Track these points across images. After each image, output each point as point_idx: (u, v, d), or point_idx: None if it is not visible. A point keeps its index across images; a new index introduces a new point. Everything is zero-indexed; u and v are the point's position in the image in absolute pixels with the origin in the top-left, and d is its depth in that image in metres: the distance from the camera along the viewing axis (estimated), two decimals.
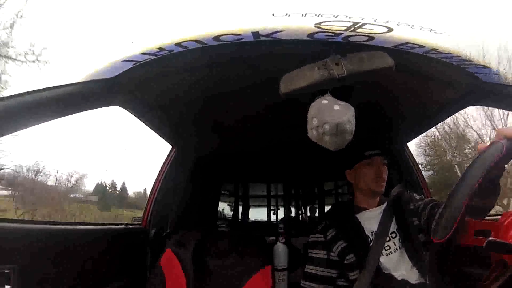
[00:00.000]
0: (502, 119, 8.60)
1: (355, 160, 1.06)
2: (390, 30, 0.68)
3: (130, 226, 1.37)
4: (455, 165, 9.65)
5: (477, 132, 9.49)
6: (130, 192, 15.17)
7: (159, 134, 1.39)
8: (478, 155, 0.51)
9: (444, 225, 0.48)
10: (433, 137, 10.14)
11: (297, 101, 0.80)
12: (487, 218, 0.75)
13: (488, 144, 0.53)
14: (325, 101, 0.76)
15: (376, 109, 1.21)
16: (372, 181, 1.03)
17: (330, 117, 0.74)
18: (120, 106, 1.00)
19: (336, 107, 0.75)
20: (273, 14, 0.62)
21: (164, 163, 1.57)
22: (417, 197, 1.07)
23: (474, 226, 0.50)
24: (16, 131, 0.67)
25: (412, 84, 1.02)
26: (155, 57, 0.79)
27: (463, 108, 1.06)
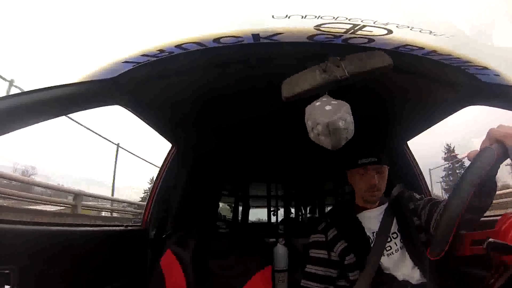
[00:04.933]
0: None
1: (350, 166, 1.06)
2: (389, 32, 0.68)
3: (130, 227, 1.37)
4: None
5: None
6: None
7: (159, 133, 1.39)
8: (469, 164, 0.49)
9: (439, 243, 0.47)
10: None
11: (297, 102, 0.80)
12: (484, 218, 0.75)
13: (479, 150, 0.51)
14: (318, 103, 0.76)
15: (376, 109, 1.22)
16: (365, 191, 1.02)
17: (321, 117, 0.73)
18: (120, 105, 1.00)
19: (328, 107, 0.74)
20: (273, 16, 0.62)
21: (163, 163, 1.57)
22: (417, 196, 1.07)
23: (470, 237, 0.49)
24: (17, 129, 0.68)
25: (411, 84, 1.02)
26: (155, 58, 0.79)
27: (462, 108, 1.07)
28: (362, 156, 1.01)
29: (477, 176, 0.48)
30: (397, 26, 0.65)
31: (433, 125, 1.31)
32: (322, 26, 0.66)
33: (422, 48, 0.74)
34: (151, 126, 1.28)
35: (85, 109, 0.88)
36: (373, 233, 0.99)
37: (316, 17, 0.62)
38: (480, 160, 0.49)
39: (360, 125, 0.78)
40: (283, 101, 0.79)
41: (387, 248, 0.96)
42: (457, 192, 0.48)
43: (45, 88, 0.74)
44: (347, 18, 0.63)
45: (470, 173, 0.49)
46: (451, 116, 1.17)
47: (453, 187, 0.50)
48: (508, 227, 0.47)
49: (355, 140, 0.80)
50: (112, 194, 9.20)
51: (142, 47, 0.74)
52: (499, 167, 0.55)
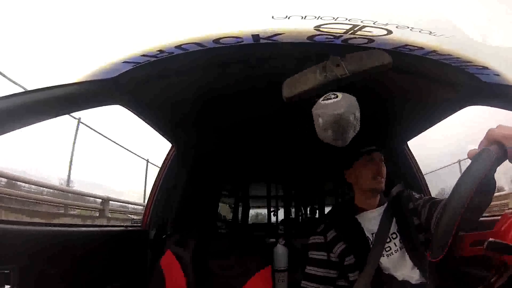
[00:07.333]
0: None
1: (353, 158, 1.06)
2: (389, 32, 0.68)
3: (130, 228, 1.37)
4: None
5: None
6: None
7: (159, 133, 1.39)
8: (468, 166, 0.49)
9: (439, 246, 0.47)
10: None
11: (297, 102, 0.80)
12: (483, 218, 0.75)
13: (478, 150, 0.50)
14: (329, 101, 0.75)
15: (376, 109, 1.21)
16: (372, 178, 1.03)
17: (332, 110, 0.71)
18: (120, 105, 1.00)
19: (332, 101, 0.72)
20: (272, 17, 0.62)
21: (163, 163, 1.57)
22: (417, 196, 1.07)
23: (470, 238, 0.49)
24: (17, 129, 0.68)
25: (411, 84, 1.02)
26: (155, 59, 0.79)
27: (462, 108, 1.07)
28: (364, 145, 1.06)
29: (476, 178, 0.47)
30: (397, 27, 0.65)
31: (433, 125, 1.31)
32: (322, 26, 0.66)
33: (422, 48, 0.74)
34: (151, 126, 1.28)
35: (85, 108, 0.88)
36: (372, 234, 0.99)
37: (316, 17, 0.63)
38: (478, 162, 0.48)
39: (360, 125, 0.78)
40: (284, 101, 0.79)
41: (387, 249, 0.96)
42: (456, 193, 0.48)
43: (45, 88, 0.74)
44: (347, 19, 0.63)
45: (468, 175, 0.48)
46: (450, 117, 1.17)
47: (452, 188, 0.49)
48: (508, 227, 0.47)
49: (354, 138, 0.79)
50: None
51: (142, 48, 0.74)
52: (497, 166, 0.55)
